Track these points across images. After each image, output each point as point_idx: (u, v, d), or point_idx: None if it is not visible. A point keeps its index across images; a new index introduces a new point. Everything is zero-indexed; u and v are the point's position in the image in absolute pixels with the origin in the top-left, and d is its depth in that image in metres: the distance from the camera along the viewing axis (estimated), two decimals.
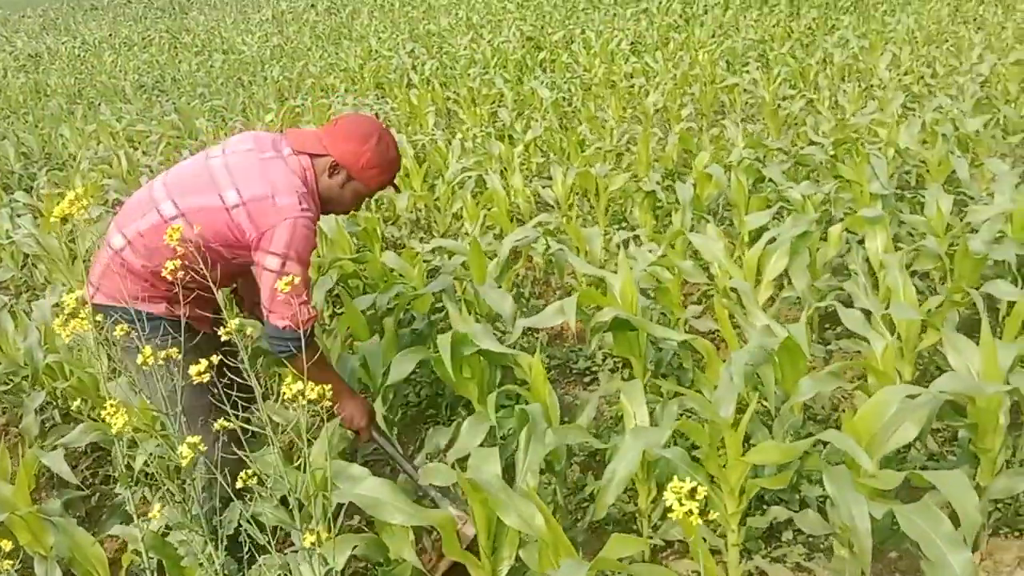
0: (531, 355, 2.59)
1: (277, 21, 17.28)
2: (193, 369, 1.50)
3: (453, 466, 2.27)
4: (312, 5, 19.27)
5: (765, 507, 2.54)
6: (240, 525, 2.01)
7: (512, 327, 2.95)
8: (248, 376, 1.64)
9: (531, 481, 2.22)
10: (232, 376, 1.74)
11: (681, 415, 2.67)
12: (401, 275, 3.50)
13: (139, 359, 1.63)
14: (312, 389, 1.53)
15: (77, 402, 1.74)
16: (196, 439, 1.58)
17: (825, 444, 2.25)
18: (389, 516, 2.12)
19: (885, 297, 3.50)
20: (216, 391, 1.68)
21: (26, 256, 4.98)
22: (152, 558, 2.14)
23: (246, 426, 1.59)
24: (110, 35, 17.24)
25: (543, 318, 2.86)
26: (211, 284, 1.62)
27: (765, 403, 2.74)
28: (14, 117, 9.57)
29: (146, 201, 2.25)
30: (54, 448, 2.65)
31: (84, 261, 4.44)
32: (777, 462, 2.12)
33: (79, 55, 14.51)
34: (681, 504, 0.99)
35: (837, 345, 3.50)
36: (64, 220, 1.66)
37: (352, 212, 2.55)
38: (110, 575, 2.35)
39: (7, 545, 1.63)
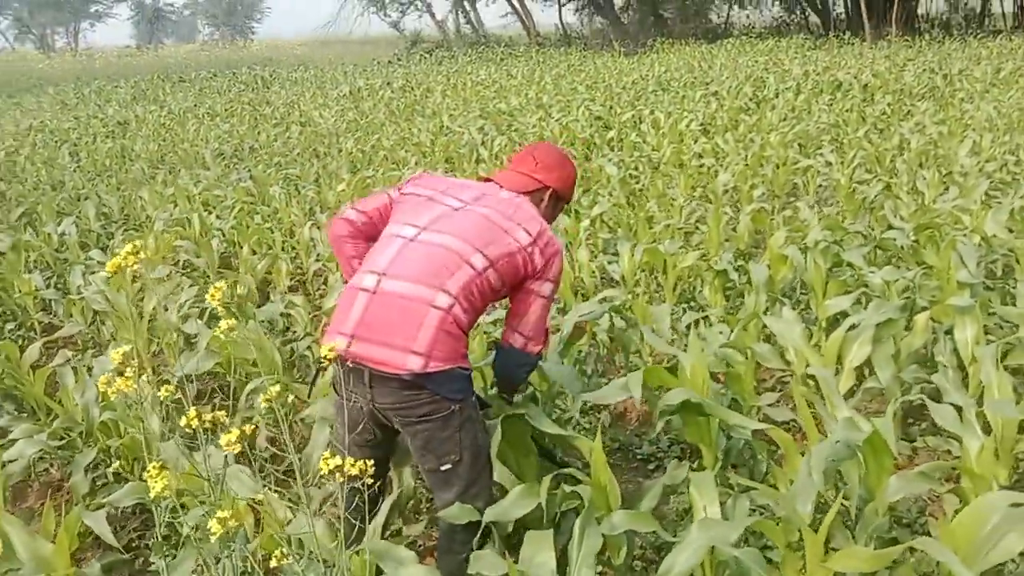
0: (590, 438, 2.45)
1: (354, 97, 17.82)
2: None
3: (503, 555, 2.11)
4: (388, 83, 19.88)
5: None
6: None
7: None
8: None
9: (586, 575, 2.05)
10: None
11: (753, 511, 2.48)
12: None
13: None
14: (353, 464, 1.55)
15: (116, 463, 1.67)
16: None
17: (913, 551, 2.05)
18: None
19: (975, 392, 3.27)
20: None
21: (95, 313, 5.05)
22: None
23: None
24: (195, 105, 17.95)
25: (605, 393, 2.71)
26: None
27: (846, 503, 2.53)
28: (99, 179, 9.91)
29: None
30: (100, 507, 2.58)
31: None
32: (864, 570, 1.91)
33: (164, 123, 15.07)
34: None
35: (924, 442, 3.26)
36: (115, 273, 1.63)
37: None
38: None
39: None
